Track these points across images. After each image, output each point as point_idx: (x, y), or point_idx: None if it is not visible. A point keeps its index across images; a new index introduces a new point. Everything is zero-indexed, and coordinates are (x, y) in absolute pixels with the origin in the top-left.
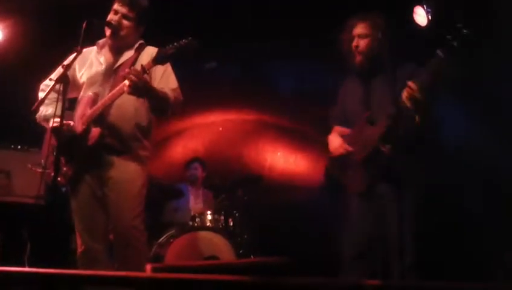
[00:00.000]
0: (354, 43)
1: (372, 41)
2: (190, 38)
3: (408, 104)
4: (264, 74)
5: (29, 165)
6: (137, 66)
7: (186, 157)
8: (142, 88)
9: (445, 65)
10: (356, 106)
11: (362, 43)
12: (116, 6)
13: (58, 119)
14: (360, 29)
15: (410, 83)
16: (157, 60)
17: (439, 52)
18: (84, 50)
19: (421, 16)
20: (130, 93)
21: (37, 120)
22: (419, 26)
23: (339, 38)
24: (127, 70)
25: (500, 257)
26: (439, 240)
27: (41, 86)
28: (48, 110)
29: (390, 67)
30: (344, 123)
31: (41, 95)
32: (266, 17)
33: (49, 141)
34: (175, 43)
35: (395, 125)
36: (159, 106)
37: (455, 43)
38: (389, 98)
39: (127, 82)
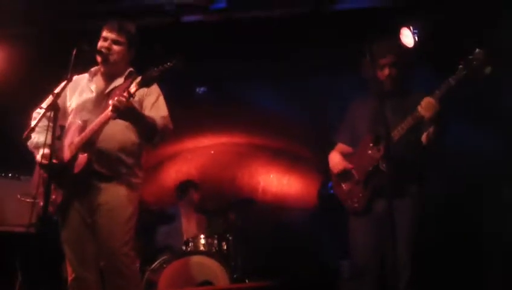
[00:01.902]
0: (386, 72)
1: (400, 68)
2: (175, 60)
3: (427, 114)
4: (255, 96)
5: (19, 195)
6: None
7: (179, 181)
8: (125, 112)
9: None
10: (367, 127)
11: (393, 71)
12: (105, 33)
13: (47, 149)
14: (390, 58)
15: (429, 97)
16: (143, 83)
17: (451, 80)
18: (76, 77)
19: (408, 37)
20: (113, 117)
21: (28, 147)
22: (406, 47)
23: (362, 64)
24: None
25: (499, 271)
26: (436, 257)
27: (34, 114)
28: (39, 138)
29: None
30: (351, 142)
31: (33, 123)
32: (256, 39)
33: (39, 170)
34: (160, 66)
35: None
36: (146, 132)
37: (466, 72)
38: (398, 120)
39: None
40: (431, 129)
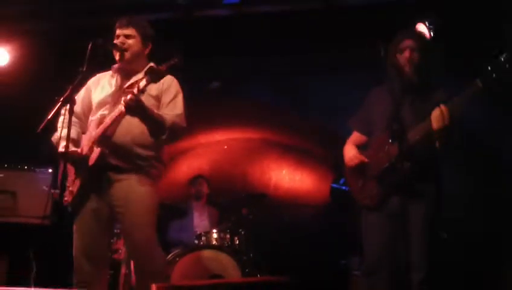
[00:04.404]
0: (406, 54)
1: (421, 54)
2: (176, 58)
3: (435, 126)
4: (267, 92)
5: (44, 187)
6: (149, 89)
7: (191, 176)
8: (135, 107)
9: (481, 93)
10: (383, 119)
11: (414, 55)
12: (117, 31)
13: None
14: (409, 42)
15: (442, 106)
16: (151, 79)
17: (478, 81)
18: (100, 74)
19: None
20: (125, 112)
21: (53, 142)
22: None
23: (386, 51)
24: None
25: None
26: (450, 256)
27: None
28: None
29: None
30: (366, 130)
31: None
32: (269, 34)
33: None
34: (166, 62)
35: (413, 146)
36: (153, 128)
37: (495, 75)
38: (416, 119)
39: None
40: (437, 142)
